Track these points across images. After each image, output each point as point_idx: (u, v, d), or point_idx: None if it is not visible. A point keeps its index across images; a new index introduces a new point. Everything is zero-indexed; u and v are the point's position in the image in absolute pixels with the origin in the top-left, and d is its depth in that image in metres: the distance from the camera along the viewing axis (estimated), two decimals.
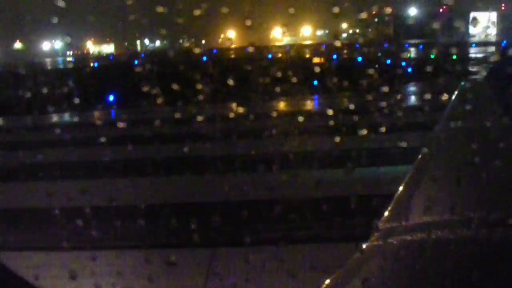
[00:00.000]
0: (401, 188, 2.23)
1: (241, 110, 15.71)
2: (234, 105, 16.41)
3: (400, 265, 1.83)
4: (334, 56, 30.20)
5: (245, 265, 5.12)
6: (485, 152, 2.44)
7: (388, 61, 27.10)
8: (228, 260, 5.43)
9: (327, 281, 1.92)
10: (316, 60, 30.72)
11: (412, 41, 46.99)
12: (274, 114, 14.92)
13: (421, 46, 39.11)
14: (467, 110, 3.27)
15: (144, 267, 5.17)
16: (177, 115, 12.94)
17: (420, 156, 2.65)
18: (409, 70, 22.20)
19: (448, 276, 1.66)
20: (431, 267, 1.74)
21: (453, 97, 3.73)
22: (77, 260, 5.28)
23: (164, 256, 5.56)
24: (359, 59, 25.69)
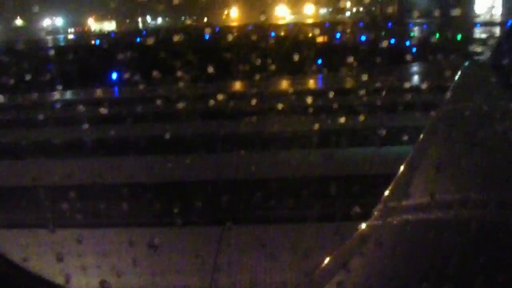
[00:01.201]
0: (402, 168, 2.24)
1: (241, 88, 15.70)
2: (235, 84, 16.37)
3: (399, 244, 1.84)
4: (338, 35, 29.78)
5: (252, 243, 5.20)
6: (486, 133, 2.43)
7: (392, 41, 26.67)
8: (238, 238, 5.52)
9: (328, 259, 1.94)
10: (320, 39, 30.26)
11: (416, 21, 46.41)
12: (276, 93, 14.87)
13: (425, 26, 38.66)
14: (470, 90, 3.25)
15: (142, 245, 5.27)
16: (177, 93, 13.00)
17: (421, 136, 2.65)
18: (414, 50, 21.92)
19: (446, 255, 1.68)
20: (430, 246, 1.75)
21: (456, 77, 3.71)
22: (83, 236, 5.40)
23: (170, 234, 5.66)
24: (363, 38, 25.36)
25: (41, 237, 5.74)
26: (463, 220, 1.79)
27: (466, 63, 4.10)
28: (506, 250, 1.65)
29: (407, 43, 24.46)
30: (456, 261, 1.64)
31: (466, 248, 1.69)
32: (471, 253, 1.66)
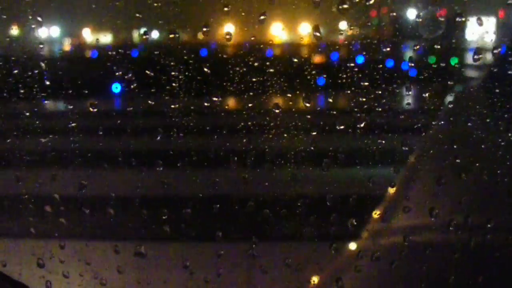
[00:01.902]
0: (391, 190, 2.24)
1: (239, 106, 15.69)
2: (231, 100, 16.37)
3: (388, 266, 1.84)
4: (336, 56, 29.35)
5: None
6: (477, 157, 2.45)
7: (391, 63, 26.25)
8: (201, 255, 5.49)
9: (315, 280, 1.93)
10: (317, 59, 29.94)
11: (409, 44, 46.61)
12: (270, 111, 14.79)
13: (419, 51, 38.73)
14: (461, 114, 3.28)
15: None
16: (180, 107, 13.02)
17: (411, 158, 2.66)
18: (413, 73, 21.47)
19: (436, 277, 1.67)
20: (420, 268, 1.75)
21: (447, 101, 3.74)
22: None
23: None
24: (361, 59, 25.00)
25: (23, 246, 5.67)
26: (454, 243, 1.80)
27: (458, 87, 4.13)
28: (498, 273, 1.65)
29: (405, 65, 24.05)
30: (443, 283, 1.64)
31: (458, 272, 1.69)
32: (463, 277, 1.66)
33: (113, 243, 5.82)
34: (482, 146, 2.63)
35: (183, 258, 5.47)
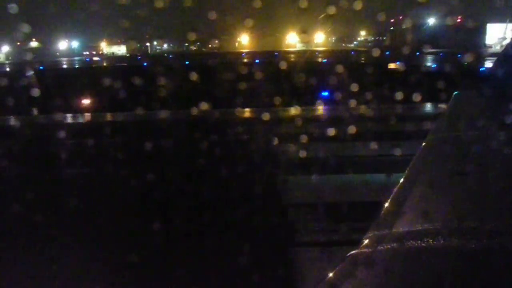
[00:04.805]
0: (392, 196, 2.23)
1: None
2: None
3: (389, 272, 1.83)
4: (398, 62, 29.46)
5: None
6: (477, 161, 2.42)
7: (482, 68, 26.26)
8: None
9: (317, 287, 1.92)
10: (392, 65, 30.29)
11: (437, 50, 46.14)
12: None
13: (459, 55, 38.40)
14: (460, 119, 3.25)
15: None
16: None
17: (412, 164, 2.64)
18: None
19: (436, 283, 1.66)
20: (420, 274, 1.74)
21: (447, 106, 3.70)
22: None
23: None
24: (434, 65, 24.55)
25: None
26: (453, 248, 1.78)
27: (456, 93, 4.09)
28: (495, 278, 1.63)
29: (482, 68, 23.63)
30: None
31: (456, 277, 1.67)
32: (461, 281, 1.64)
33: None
34: (480, 149, 2.60)
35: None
